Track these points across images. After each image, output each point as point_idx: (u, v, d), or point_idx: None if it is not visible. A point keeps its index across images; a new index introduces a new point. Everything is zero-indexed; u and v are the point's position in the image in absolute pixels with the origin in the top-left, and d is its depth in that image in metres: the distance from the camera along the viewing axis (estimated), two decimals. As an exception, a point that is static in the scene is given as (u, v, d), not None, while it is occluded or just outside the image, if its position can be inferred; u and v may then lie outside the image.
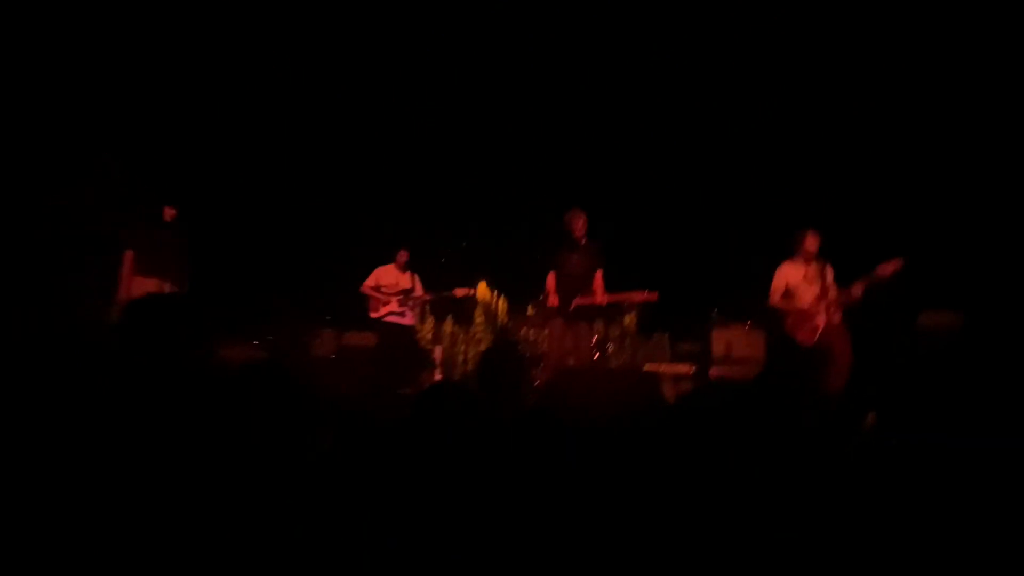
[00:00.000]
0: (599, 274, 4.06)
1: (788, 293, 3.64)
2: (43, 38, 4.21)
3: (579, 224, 4.04)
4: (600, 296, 3.98)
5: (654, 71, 5.14)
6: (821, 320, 3.50)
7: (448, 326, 6.01)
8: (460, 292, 4.66)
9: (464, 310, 5.96)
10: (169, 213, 3.89)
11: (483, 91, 5.62)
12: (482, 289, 6.37)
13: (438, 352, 5.31)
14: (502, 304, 5.89)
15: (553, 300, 4.06)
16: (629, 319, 5.76)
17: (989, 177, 4.15)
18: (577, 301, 4.00)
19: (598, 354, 4.83)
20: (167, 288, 3.79)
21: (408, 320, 4.73)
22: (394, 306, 4.63)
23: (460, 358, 5.78)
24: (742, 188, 5.13)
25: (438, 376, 5.26)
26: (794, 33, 4.66)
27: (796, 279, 3.64)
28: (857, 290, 3.43)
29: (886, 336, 3.80)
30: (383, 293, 4.66)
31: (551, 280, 4.12)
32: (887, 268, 3.34)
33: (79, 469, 1.49)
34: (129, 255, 3.71)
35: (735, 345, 4.42)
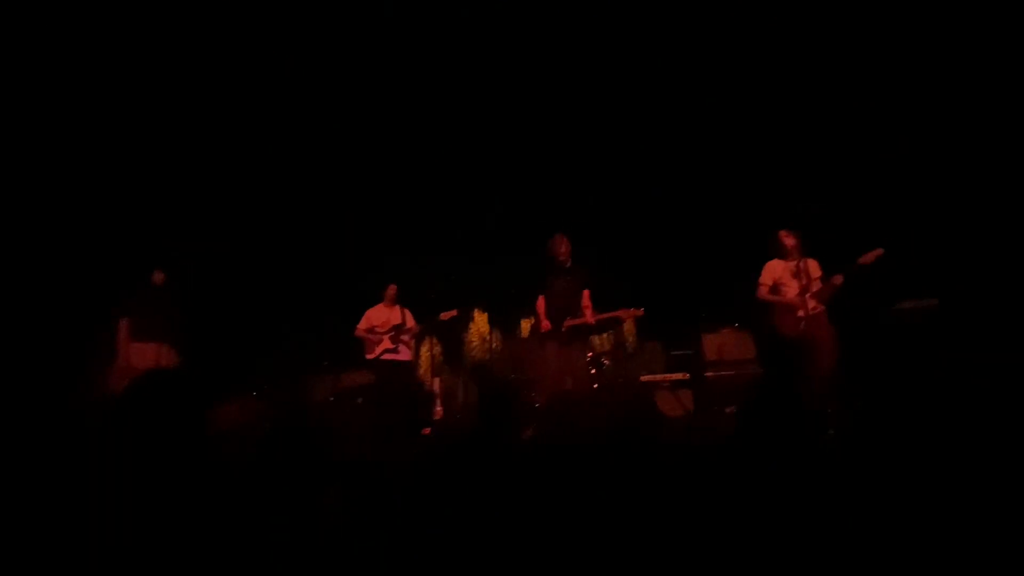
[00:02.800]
0: (586, 294, 4.15)
1: (774, 288, 3.79)
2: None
3: (563, 248, 4.14)
4: (590, 315, 4.06)
5: (618, 90, 5.31)
6: (804, 311, 3.62)
7: (438, 354, 6.03)
8: (445, 315, 4.72)
9: (452, 336, 6.01)
10: (159, 277, 3.94)
11: (457, 121, 5.75)
12: (478, 317, 6.44)
13: (437, 384, 5.34)
14: (496, 337, 5.95)
15: (545, 324, 4.14)
16: (627, 331, 5.85)
17: (964, 169, 4.32)
18: (568, 323, 4.08)
19: (594, 371, 4.90)
20: (165, 351, 3.81)
21: (404, 355, 4.77)
22: (387, 343, 4.68)
23: (460, 390, 5.81)
24: (720, 194, 5.28)
25: (439, 409, 5.28)
26: (755, 40, 4.85)
27: (782, 274, 3.79)
28: (838, 280, 3.58)
29: (868, 321, 3.93)
30: (376, 333, 4.71)
31: (541, 304, 4.20)
32: (868, 257, 3.51)
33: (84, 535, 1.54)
34: (124, 322, 3.74)
35: (726, 348, 4.51)
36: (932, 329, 3.88)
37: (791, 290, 3.74)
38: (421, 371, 5.79)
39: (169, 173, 4.99)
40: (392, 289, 4.82)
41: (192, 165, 5.09)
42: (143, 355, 3.72)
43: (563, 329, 4.08)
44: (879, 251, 3.50)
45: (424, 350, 6.17)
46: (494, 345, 5.92)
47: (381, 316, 4.75)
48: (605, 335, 5.84)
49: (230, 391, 4.68)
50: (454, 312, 4.78)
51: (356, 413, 4.63)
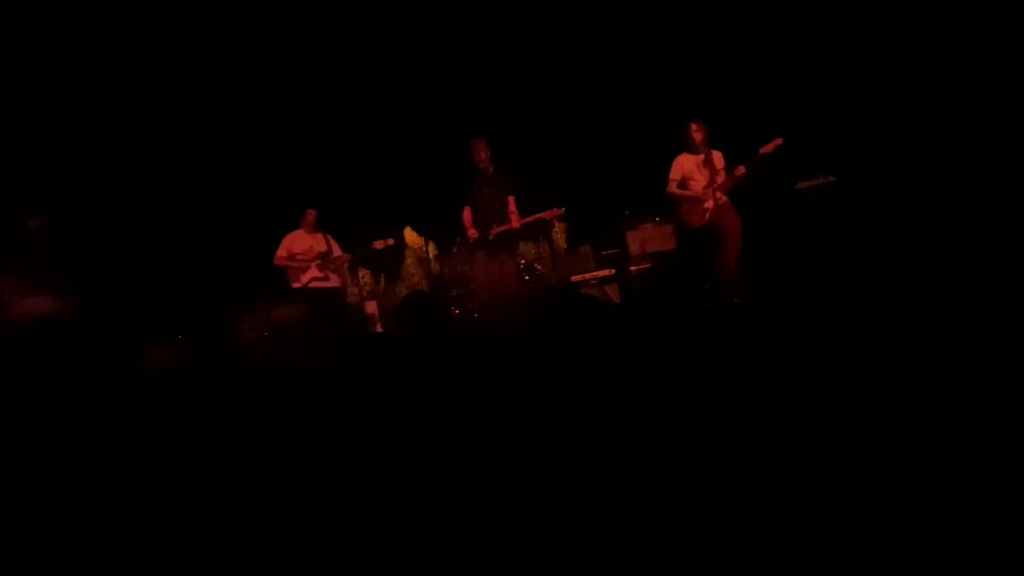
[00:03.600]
0: (512, 200, 4.13)
1: (683, 182, 3.94)
2: None
3: (482, 154, 4.04)
4: (516, 221, 4.08)
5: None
6: (710, 203, 3.83)
7: (379, 282, 5.96)
8: (379, 244, 4.59)
9: (390, 262, 5.90)
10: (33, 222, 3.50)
11: (368, 28, 5.22)
12: (409, 235, 6.29)
13: (372, 307, 5.30)
14: (431, 248, 5.88)
15: (472, 233, 4.12)
16: (558, 237, 5.95)
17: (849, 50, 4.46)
18: (495, 230, 4.08)
19: (527, 278, 5.03)
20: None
21: (333, 282, 4.65)
22: (315, 271, 4.52)
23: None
24: (636, 91, 5.23)
25: (379, 330, 5.29)
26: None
27: (690, 168, 3.93)
28: (740, 171, 3.77)
29: (770, 203, 4.21)
30: (299, 260, 4.52)
31: (467, 215, 4.15)
32: (768, 147, 3.69)
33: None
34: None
35: (648, 241, 4.72)
36: (831, 207, 4.22)
37: (698, 184, 3.90)
38: (355, 297, 5.70)
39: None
40: (311, 214, 4.57)
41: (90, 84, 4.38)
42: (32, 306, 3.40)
43: (490, 237, 4.10)
44: (779, 140, 3.69)
45: (361, 278, 6.02)
46: (432, 266, 5.88)
47: (303, 243, 4.54)
48: (537, 243, 5.94)
49: (152, 335, 4.42)
50: (390, 241, 4.63)
51: (289, 347, 4.54)
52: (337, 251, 4.64)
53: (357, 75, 5.45)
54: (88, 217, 3.79)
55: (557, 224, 5.67)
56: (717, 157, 3.93)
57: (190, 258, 5.16)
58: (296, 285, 4.52)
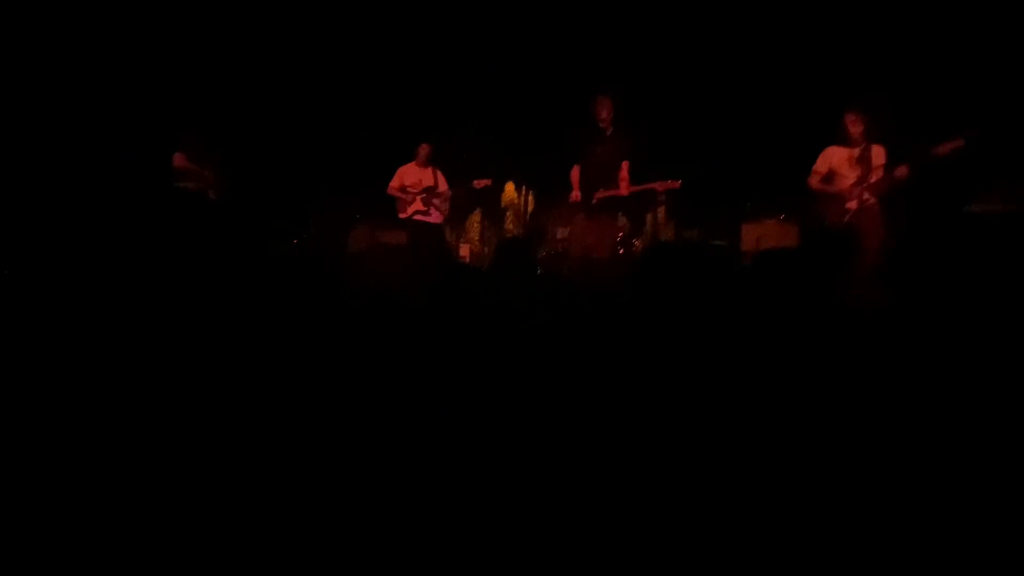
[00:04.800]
0: (625, 165, 3.93)
1: (829, 176, 3.47)
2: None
3: (604, 112, 3.85)
4: (624, 188, 3.89)
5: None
6: (855, 203, 3.34)
7: (475, 222, 6.07)
8: (479, 183, 4.65)
9: (490, 205, 5.97)
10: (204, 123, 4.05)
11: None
12: (509, 191, 6.32)
13: (465, 250, 5.44)
14: (531, 200, 5.86)
15: (575, 194, 4.01)
16: (662, 219, 5.64)
17: None
18: (600, 194, 3.93)
19: (623, 250, 4.83)
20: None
21: (435, 218, 4.82)
22: (419, 204, 4.71)
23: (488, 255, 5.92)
24: (782, 70, 4.65)
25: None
26: None
27: (840, 161, 3.45)
28: (902, 172, 3.22)
29: (931, 221, 3.60)
30: (408, 193, 4.73)
31: (575, 173, 4.03)
32: (944, 148, 3.10)
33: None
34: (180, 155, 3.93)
35: (765, 238, 4.30)
36: (1005, 238, 3.52)
37: (847, 180, 3.41)
38: (456, 238, 5.89)
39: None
40: (425, 149, 4.72)
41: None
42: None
43: (594, 201, 3.96)
44: (959, 141, 3.06)
45: (472, 218, 6.17)
46: (527, 220, 5.88)
47: (413, 176, 4.73)
48: (641, 218, 5.66)
49: (272, 235, 4.96)
50: (487, 181, 4.69)
51: (388, 269, 4.83)
52: (443, 186, 4.78)
53: (488, 17, 5.40)
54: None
55: (667, 202, 5.34)
56: (877, 153, 3.40)
57: (322, 181, 5.64)
58: (402, 216, 4.76)
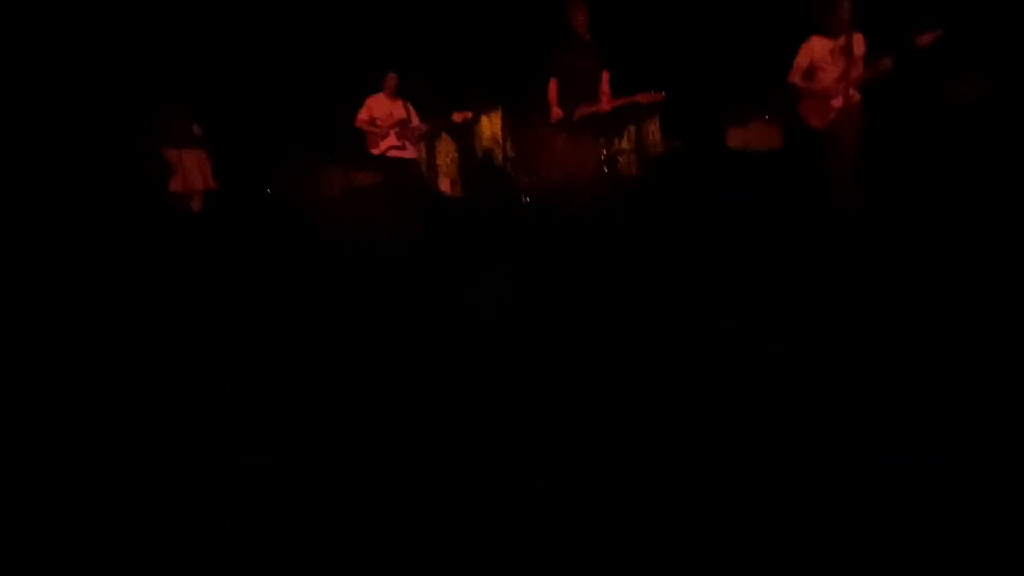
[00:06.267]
0: (605, 77, 3.72)
1: (810, 71, 3.31)
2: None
3: (580, 17, 3.58)
4: (606, 102, 3.71)
5: None
6: (838, 101, 3.22)
7: (449, 152, 5.80)
8: (458, 116, 4.41)
9: (466, 136, 5.70)
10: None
11: None
12: (486, 125, 6.00)
13: (445, 184, 5.27)
14: (504, 128, 5.57)
15: (556, 112, 3.82)
16: (651, 131, 5.39)
17: None
18: (581, 110, 3.76)
19: (607, 170, 4.71)
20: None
21: (410, 153, 4.60)
22: (393, 139, 4.48)
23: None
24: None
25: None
26: None
27: (822, 54, 3.27)
28: (886, 64, 3.08)
29: (910, 109, 3.52)
30: (379, 127, 4.47)
31: (552, 88, 3.82)
32: (925, 38, 2.95)
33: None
34: None
35: (752, 141, 4.21)
36: (986, 130, 3.47)
37: (830, 74, 3.24)
38: (432, 172, 5.67)
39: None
40: (392, 78, 4.41)
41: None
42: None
43: (575, 118, 3.79)
44: (938, 31, 2.90)
45: (441, 152, 5.90)
46: (508, 152, 5.64)
47: (383, 108, 4.45)
48: (627, 133, 5.46)
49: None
50: (468, 114, 4.45)
51: (364, 211, 4.67)
52: (415, 120, 4.53)
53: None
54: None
55: (652, 114, 5.11)
56: (858, 42, 3.24)
57: (281, 117, 5.26)
58: (374, 151, 4.53)
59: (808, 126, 3.36)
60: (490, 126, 5.96)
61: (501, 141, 5.83)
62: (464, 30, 5.23)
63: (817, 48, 3.29)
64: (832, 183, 3.27)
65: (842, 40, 3.21)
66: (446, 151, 5.94)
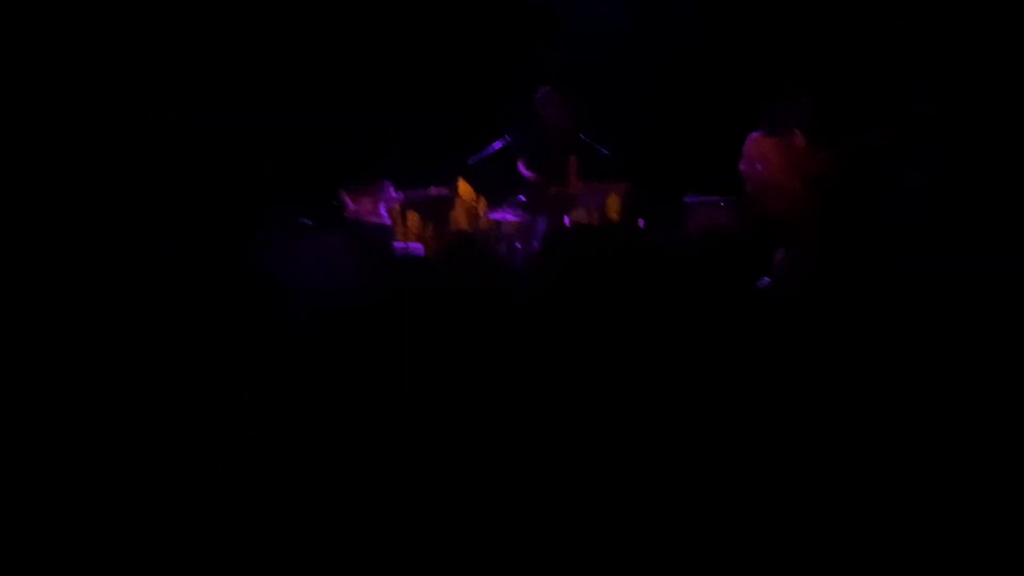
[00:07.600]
0: (573, 161, 3.99)
1: (760, 162, 3.62)
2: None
3: (550, 106, 3.89)
4: (574, 183, 3.96)
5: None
6: (781, 192, 3.54)
7: (426, 227, 5.92)
8: (435, 191, 4.59)
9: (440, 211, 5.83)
10: None
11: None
12: (463, 187, 6.18)
13: (419, 248, 5.33)
14: (481, 203, 5.75)
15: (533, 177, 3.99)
16: (612, 208, 5.67)
17: None
18: (552, 191, 3.98)
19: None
20: None
21: (385, 220, 4.71)
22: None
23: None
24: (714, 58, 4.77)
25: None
26: None
27: (769, 148, 3.62)
28: (881, 136, 3.39)
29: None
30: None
31: (522, 167, 4.05)
32: (879, 137, 3.33)
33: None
34: None
35: (708, 224, 4.48)
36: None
37: (776, 167, 3.59)
38: (402, 239, 5.74)
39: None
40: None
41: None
42: None
43: (542, 199, 4.00)
44: (893, 130, 3.32)
45: (409, 220, 6.02)
46: (481, 221, 5.80)
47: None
48: (592, 211, 5.73)
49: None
50: (445, 190, 4.62)
51: (341, 274, 4.65)
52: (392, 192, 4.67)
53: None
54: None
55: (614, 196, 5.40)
56: (800, 141, 3.62)
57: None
58: (349, 216, 4.62)
59: (759, 210, 3.65)
60: (467, 189, 6.14)
61: (475, 208, 6.00)
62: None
63: (763, 143, 3.65)
64: (784, 267, 3.52)
65: (787, 137, 3.58)
66: (412, 220, 6.04)
